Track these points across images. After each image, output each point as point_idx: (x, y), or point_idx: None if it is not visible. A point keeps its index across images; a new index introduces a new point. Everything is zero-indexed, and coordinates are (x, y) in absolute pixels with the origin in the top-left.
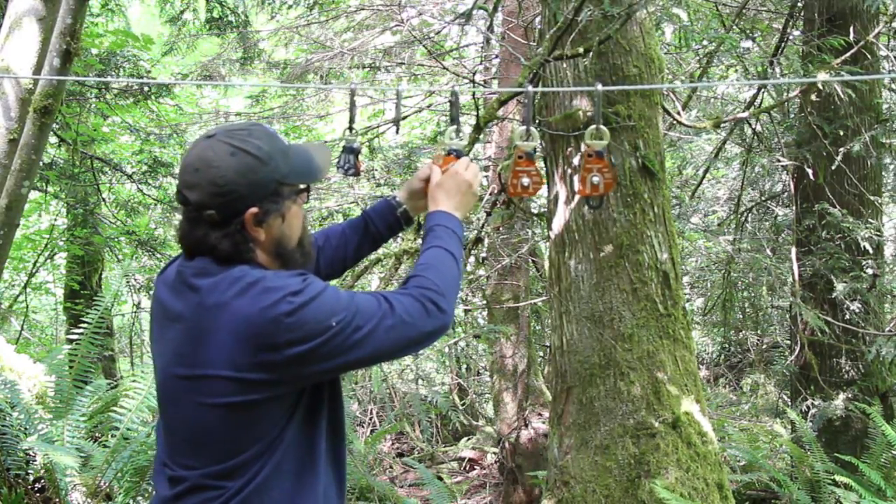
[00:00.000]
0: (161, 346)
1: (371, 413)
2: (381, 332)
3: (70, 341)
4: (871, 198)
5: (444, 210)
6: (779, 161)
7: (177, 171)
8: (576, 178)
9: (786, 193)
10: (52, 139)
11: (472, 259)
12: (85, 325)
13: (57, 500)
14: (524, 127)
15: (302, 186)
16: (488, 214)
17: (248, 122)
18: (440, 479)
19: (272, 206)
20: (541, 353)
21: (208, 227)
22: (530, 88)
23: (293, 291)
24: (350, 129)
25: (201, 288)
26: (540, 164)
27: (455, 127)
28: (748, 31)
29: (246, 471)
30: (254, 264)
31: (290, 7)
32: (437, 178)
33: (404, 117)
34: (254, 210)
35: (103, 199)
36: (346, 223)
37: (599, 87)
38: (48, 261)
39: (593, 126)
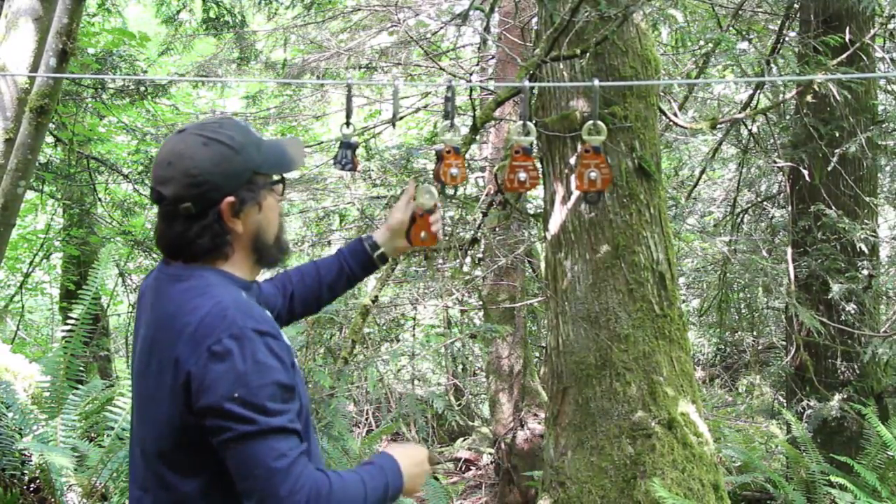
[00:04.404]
0: (134, 358)
1: (367, 413)
2: (260, 445)
3: (61, 338)
4: (867, 199)
5: (400, 469)
6: (775, 162)
7: None
8: (572, 176)
9: (782, 194)
10: (49, 139)
11: (468, 260)
12: (73, 321)
13: (52, 500)
14: (521, 122)
15: (276, 178)
16: (484, 215)
17: (219, 116)
18: (436, 479)
19: (248, 194)
20: (537, 354)
21: (186, 222)
22: (527, 84)
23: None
24: (347, 124)
25: (164, 301)
26: (536, 163)
27: (448, 123)
28: (744, 32)
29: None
30: (230, 260)
31: (287, 7)
32: (408, 453)
33: (401, 117)
34: (230, 199)
35: (99, 199)
36: (320, 261)
37: (596, 82)
38: (44, 261)
39: (590, 122)
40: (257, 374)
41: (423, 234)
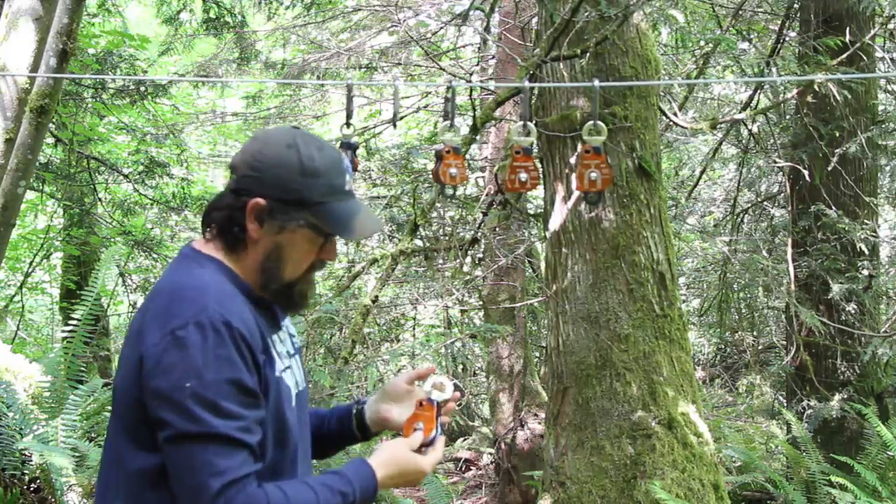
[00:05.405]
0: None
1: None
2: (200, 452)
3: (62, 339)
4: (867, 199)
5: (374, 471)
6: (775, 162)
7: (173, 171)
8: (573, 176)
9: (782, 194)
10: (49, 139)
11: (468, 259)
12: (75, 322)
13: (53, 500)
14: (521, 122)
15: (324, 229)
16: (485, 215)
17: (340, 152)
18: (435, 478)
19: (279, 212)
20: (537, 354)
21: (226, 190)
22: (527, 84)
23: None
24: (347, 124)
25: (163, 274)
26: (536, 163)
27: (448, 123)
28: (744, 33)
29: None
30: (240, 254)
31: (287, 8)
32: (399, 443)
33: (401, 117)
34: (260, 200)
35: (99, 199)
36: (314, 410)
37: (597, 82)
38: (44, 261)
39: (591, 122)
40: (215, 369)
41: (419, 423)
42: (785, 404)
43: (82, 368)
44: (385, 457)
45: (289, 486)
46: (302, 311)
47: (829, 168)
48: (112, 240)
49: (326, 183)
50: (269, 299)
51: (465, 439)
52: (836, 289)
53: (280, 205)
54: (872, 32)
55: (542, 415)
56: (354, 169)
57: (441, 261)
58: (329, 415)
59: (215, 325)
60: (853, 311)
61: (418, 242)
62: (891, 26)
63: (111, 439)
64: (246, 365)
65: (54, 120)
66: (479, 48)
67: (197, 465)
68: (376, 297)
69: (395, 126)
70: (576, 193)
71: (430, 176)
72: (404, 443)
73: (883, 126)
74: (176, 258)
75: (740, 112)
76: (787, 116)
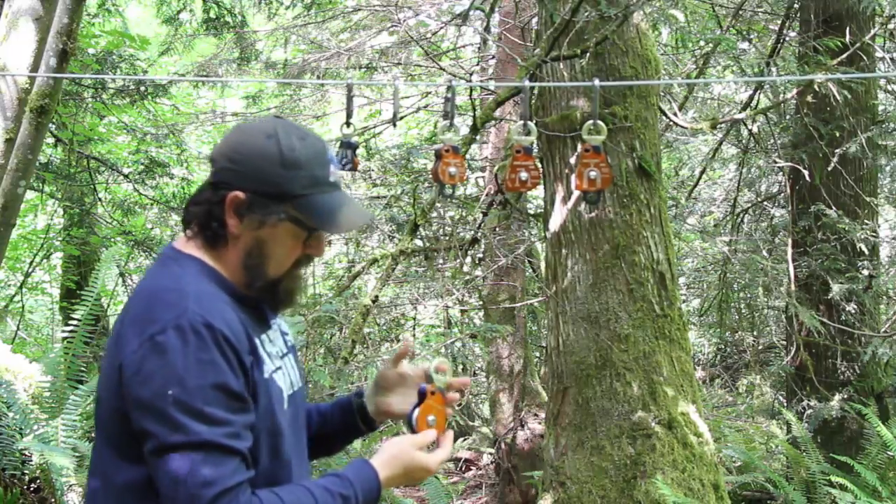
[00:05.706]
0: None
1: None
2: (188, 466)
3: (62, 339)
4: (867, 199)
5: (376, 472)
6: (775, 162)
7: (173, 171)
8: (573, 176)
9: (782, 194)
10: (49, 139)
11: (468, 259)
12: (75, 322)
13: (53, 500)
14: (522, 122)
15: (309, 224)
16: (485, 215)
17: (324, 142)
18: (435, 478)
19: (259, 206)
20: (537, 354)
21: (206, 184)
22: (527, 83)
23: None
24: (347, 124)
25: (143, 277)
26: (537, 163)
27: (447, 123)
28: (745, 33)
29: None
30: (221, 251)
31: (287, 8)
32: (404, 441)
33: (401, 117)
34: (239, 194)
35: (99, 199)
36: (314, 405)
37: (597, 82)
38: (44, 261)
39: (590, 122)
40: (198, 374)
41: (430, 416)
42: (785, 404)
43: (82, 368)
44: (388, 457)
45: (286, 492)
46: (290, 309)
47: (829, 168)
48: (112, 240)
49: (308, 175)
50: (254, 297)
51: (464, 439)
52: (836, 289)
53: (260, 198)
54: (872, 32)
55: (542, 415)
56: (354, 169)
57: (441, 261)
58: (330, 410)
59: (196, 327)
60: (853, 311)
61: (418, 242)
62: (891, 26)
63: (97, 449)
64: (231, 368)
65: (54, 120)
66: (479, 48)
67: (186, 476)
68: (376, 297)
69: (395, 126)
70: (576, 193)
71: (430, 175)
72: (409, 441)
73: (883, 126)
74: (157, 259)
75: (740, 112)
76: (787, 116)
